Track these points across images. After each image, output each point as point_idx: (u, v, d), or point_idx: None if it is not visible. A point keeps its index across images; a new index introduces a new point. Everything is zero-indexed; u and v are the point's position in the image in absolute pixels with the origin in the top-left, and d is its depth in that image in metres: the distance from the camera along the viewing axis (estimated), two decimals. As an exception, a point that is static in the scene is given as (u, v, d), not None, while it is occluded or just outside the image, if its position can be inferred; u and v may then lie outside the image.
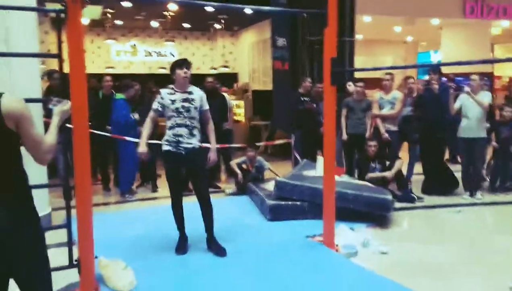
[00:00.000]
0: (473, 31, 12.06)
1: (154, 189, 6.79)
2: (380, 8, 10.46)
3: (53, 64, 11.83)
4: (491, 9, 11.46)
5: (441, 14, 11.44)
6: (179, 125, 3.91)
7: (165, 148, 3.98)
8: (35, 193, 2.00)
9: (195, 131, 3.99)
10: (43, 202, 4.77)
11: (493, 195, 6.43)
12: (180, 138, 3.91)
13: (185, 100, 3.94)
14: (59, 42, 3.21)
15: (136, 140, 6.22)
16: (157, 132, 7.10)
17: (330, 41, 4.12)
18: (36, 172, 2.98)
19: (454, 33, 12.50)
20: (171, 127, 3.94)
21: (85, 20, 12.74)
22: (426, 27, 12.86)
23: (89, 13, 11.48)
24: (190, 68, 4.00)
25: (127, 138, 6.09)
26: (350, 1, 9.46)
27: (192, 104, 3.96)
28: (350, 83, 7.07)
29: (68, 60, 3.09)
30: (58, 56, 3.21)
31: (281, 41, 6.79)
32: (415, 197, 6.11)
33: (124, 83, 6.32)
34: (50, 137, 2.04)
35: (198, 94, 4.05)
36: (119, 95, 6.22)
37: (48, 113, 5.87)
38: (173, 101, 3.93)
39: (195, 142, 3.97)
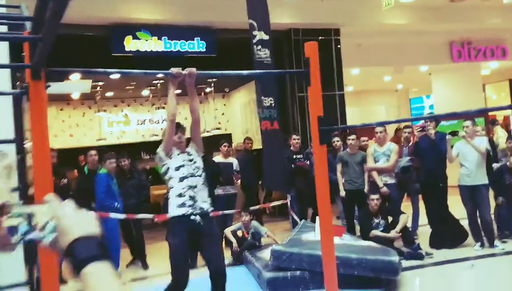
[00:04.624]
0: (463, 74, 12.09)
1: (145, 266, 6.39)
2: (366, 60, 10.53)
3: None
4: (478, 52, 11.55)
5: (429, 61, 11.52)
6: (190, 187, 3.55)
7: (178, 212, 3.51)
8: None
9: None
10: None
11: (504, 243, 6.02)
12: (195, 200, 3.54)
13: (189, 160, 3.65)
14: (17, 126, 2.99)
15: (119, 216, 5.92)
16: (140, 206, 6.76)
17: (314, 100, 3.92)
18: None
19: (444, 78, 12.53)
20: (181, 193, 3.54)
21: (75, 95, 12.81)
22: (415, 74, 12.93)
23: (79, 88, 11.54)
24: (184, 132, 3.74)
25: (111, 215, 5.77)
26: (336, 56, 9.54)
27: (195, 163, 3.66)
28: (338, 138, 6.98)
29: (32, 142, 2.87)
30: (16, 140, 2.97)
31: (268, 101, 6.65)
32: (424, 253, 5.71)
33: (105, 156, 6.08)
34: None
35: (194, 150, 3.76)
36: (103, 170, 5.98)
37: None
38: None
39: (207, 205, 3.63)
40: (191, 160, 3.64)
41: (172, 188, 3.57)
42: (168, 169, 3.59)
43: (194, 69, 3.22)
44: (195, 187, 3.55)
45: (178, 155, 3.61)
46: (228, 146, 7.21)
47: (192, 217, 3.51)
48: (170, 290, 3.66)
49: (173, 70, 3.30)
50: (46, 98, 2.88)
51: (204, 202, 3.59)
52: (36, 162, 2.88)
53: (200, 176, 3.62)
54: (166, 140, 3.55)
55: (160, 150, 3.59)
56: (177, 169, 3.56)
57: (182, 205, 3.50)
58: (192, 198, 3.51)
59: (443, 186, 6.21)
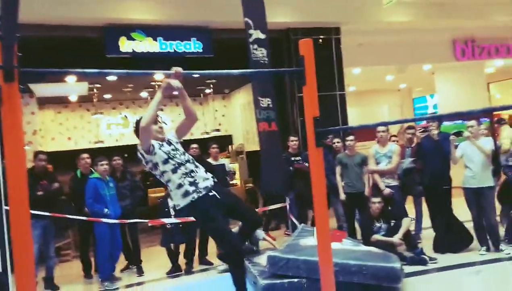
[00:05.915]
0: (467, 72, 11.85)
1: (140, 272, 6.21)
2: (368, 60, 10.31)
3: (44, 144, 11.60)
4: (482, 50, 11.32)
5: (432, 59, 11.29)
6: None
7: (186, 202, 3.39)
8: None
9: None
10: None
11: (511, 247, 5.79)
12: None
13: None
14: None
15: (111, 221, 5.74)
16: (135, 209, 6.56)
17: (310, 99, 3.72)
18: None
19: (448, 77, 12.29)
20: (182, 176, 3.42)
21: (73, 97, 12.65)
22: (418, 73, 12.70)
23: (76, 90, 11.36)
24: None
25: (103, 220, 5.60)
26: (336, 55, 9.33)
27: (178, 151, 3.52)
28: (338, 139, 6.80)
29: (4, 148, 2.69)
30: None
31: (265, 101, 6.45)
32: (427, 258, 5.50)
33: (96, 159, 5.93)
34: None
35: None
36: (95, 174, 5.81)
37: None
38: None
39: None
40: (174, 149, 3.47)
41: (169, 181, 3.40)
42: (155, 164, 3.39)
43: (180, 69, 3.04)
44: (191, 171, 3.41)
45: (160, 148, 3.41)
46: (217, 147, 7.02)
47: (210, 194, 3.40)
48: (232, 262, 3.52)
49: (172, 82, 3.09)
50: (19, 101, 2.69)
51: (206, 180, 3.45)
52: (10, 169, 2.70)
53: (189, 161, 3.48)
54: (143, 143, 3.32)
55: (139, 149, 3.38)
56: (165, 162, 3.38)
57: (186, 193, 3.37)
58: (192, 183, 3.37)
59: (446, 188, 6.01)
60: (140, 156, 3.40)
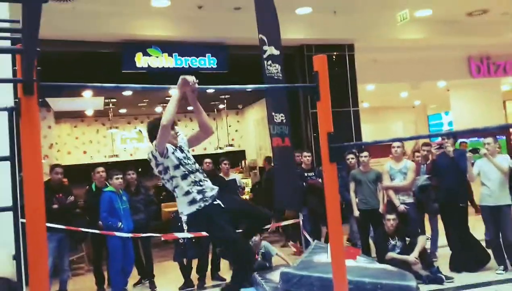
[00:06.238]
0: (483, 89, 11.76)
1: (152, 287, 6.19)
2: (382, 76, 10.30)
3: (60, 158, 11.77)
4: (498, 67, 11.24)
5: (446, 76, 11.25)
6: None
7: (191, 210, 3.38)
8: None
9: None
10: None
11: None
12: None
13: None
14: (12, 143, 2.86)
15: (124, 235, 5.76)
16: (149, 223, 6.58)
17: (324, 115, 3.73)
18: None
19: (463, 94, 12.21)
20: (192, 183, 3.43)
21: (89, 112, 12.84)
22: (433, 90, 12.65)
23: (92, 105, 11.52)
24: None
25: (117, 234, 5.62)
26: (350, 72, 9.35)
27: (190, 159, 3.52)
28: (352, 155, 6.76)
29: (22, 162, 2.74)
30: (10, 158, 2.84)
31: (279, 117, 6.47)
32: (443, 277, 5.40)
33: (110, 172, 5.97)
34: None
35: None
36: (109, 188, 5.85)
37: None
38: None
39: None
40: (186, 157, 3.46)
41: (176, 187, 3.39)
42: (166, 168, 3.36)
43: (195, 84, 3.06)
44: (200, 180, 3.42)
45: (173, 153, 3.38)
46: (228, 163, 7.02)
47: (215, 202, 3.39)
48: (240, 262, 3.50)
49: (188, 77, 3.06)
50: (38, 114, 2.75)
51: (213, 189, 3.46)
52: (27, 182, 2.74)
53: (198, 170, 3.48)
54: (160, 143, 3.27)
55: (153, 150, 3.34)
56: (176, 167, 3.36)
57: (193, 201, 3.35)
58: (200, 191, 3.37)
59: (463, 205, 5.92)
60: (152, 157, 3.33)
